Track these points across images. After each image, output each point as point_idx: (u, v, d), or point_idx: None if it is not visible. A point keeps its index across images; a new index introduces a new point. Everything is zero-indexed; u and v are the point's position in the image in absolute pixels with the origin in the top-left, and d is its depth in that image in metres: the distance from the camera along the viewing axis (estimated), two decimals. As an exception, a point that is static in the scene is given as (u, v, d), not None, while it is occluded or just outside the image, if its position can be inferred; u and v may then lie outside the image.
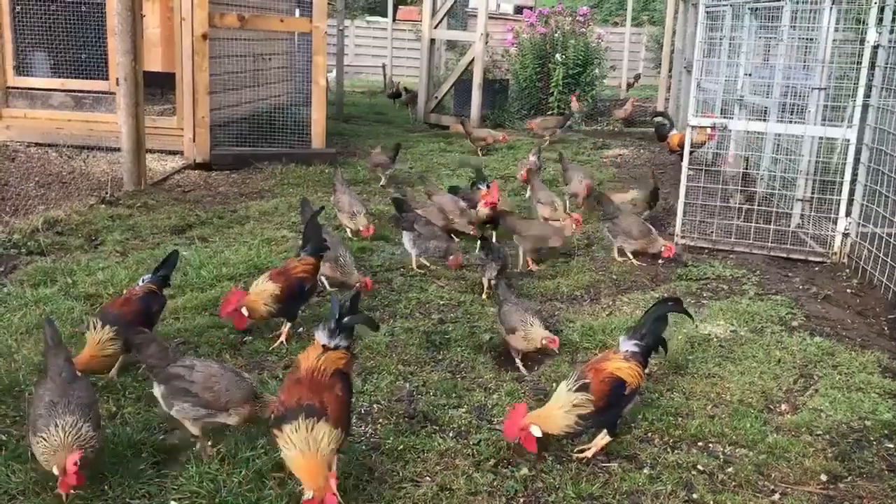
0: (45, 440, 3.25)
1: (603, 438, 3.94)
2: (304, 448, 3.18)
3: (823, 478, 3.80)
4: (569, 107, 15.55)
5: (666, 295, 6.02)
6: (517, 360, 4.91)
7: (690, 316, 4.62)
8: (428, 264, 6.57)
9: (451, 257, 6.45)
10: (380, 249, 7.03)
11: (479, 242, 6.50)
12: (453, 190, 7.80)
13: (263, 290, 4.88)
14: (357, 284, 5.65)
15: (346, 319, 3.58)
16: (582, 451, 3.94)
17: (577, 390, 3.82)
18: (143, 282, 4.71)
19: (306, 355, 3.53)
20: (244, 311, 4.79)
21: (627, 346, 4.07)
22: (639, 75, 24.96)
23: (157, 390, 3.79)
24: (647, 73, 27.04)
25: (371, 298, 5.80)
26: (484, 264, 5.99)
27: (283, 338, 4.99)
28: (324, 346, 3.53)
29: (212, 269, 6.12)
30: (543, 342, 4.79)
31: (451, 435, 4.03)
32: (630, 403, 4.03)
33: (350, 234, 7.32)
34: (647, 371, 4.18)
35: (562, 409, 3.80)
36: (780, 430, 4.21)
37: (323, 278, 5.92)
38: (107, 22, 9.68)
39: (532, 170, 8.59)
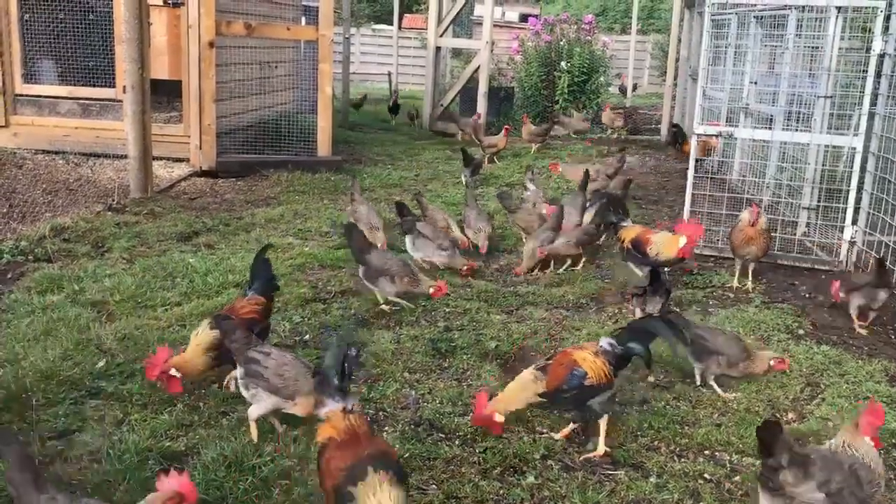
0: None
1: (599, 446, 4.02)
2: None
3: (831, 487, 3.78)
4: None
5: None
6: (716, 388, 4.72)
7: (682, 332, 4.42)
8: (427, 267, 6.59)
9: (464, 267, 6.51)
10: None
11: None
12: (613, 225, 6.62)
13: (201, 341, 4.26)
14: (430, 290, 5.65)
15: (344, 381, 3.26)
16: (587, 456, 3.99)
17: (537, 369, 4.06)
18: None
19: (328, 427, 3.17)
20: (174, 371, 4.15)
21: (603, 343, 4.16)
22: (635, 85, 25.01)
23: (238, 371, 3.99)
24: (653, 82, 27.10)
25: (377, 305, 5.81)
26: (644, 295, 5.51)
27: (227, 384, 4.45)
28: (343, 409, 3.20)
29: (218, 276, 6.13)
30: (771, 363, 4.61)
31: (457, 443, 4.03)
32: (597, 397, 4.02)
33: None
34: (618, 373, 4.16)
35: (521, 385, 4.04)
36: (787, 438, 4.19)
37: (393, 297, 5.75)
38: (114, 30, 9.71)
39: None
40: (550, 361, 4.10)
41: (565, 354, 4.12)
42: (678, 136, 12.91)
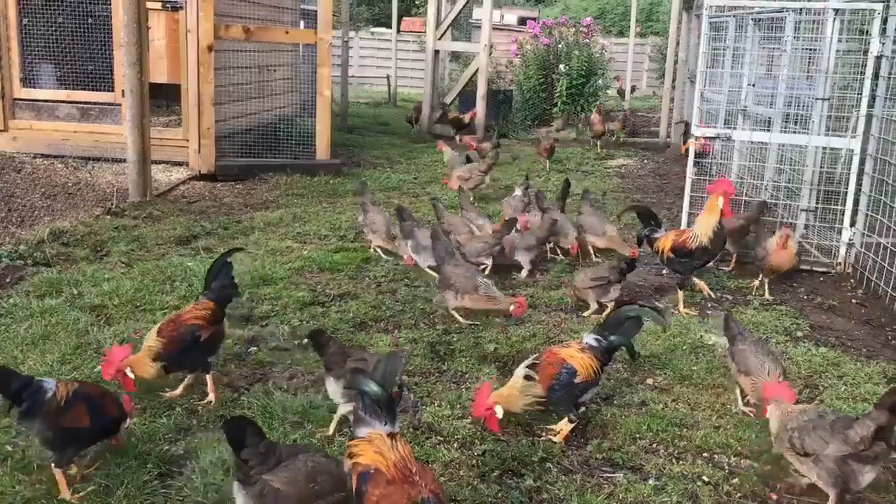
0: None
1: (567, 425, 4.13)
2: None
3: (829, 489, 3.79)
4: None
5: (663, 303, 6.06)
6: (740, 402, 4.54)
7: (661, 313, 4.51)
8: (435, 273, 6.57)
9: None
10: (384, 260, 7.04)
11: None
12: (642, 240, 6.42)
13: (148, 347, 4.22)
14: (511, 308, 5.48)
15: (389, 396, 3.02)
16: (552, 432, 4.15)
17: (527, 367, 4.09)
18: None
19: (373, 453, 2.89)
20: (129, 371, 4.11)
21: (588, 339, 4.21)
22: (634, 87, 25.01)
23: (333, 385, 4.00)
24: (651, 84, 27.15)
25: (375, 309, 5.81)
26: (605, 285, 5.80)
27: (211, 395, 4.37)
28: (390, 434, 2.97)
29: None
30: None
31: (455, 446, 4.03)
32: (586, 394, 4.16)
33: (381, 254, 7.16)
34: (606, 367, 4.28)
35: (518, 389, 4.05)
36: (786, 440, 4.19)
37: (456, 313, 5.66)
38: (113, 34, 9.73)
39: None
40: (539, 361, 4.13)
41: (552, 353, 4.17)
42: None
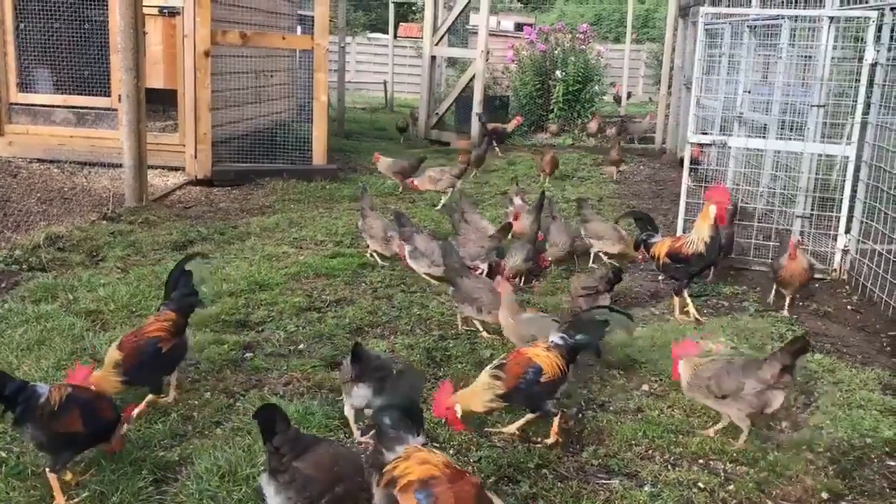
0: None
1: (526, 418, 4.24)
2: None
3: (825, 496, 3.79)
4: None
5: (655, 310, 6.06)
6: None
7: (629, 316, 4.48)
8: (432, 280, 6.57)
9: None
10: (380, 265, 7.05)
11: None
12: (639, 245, 6.44)
13: (109, 359, 4.14)
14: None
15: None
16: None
17: (494, 368, 4.11)
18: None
19: (420, 466, 2.96)
20: (93, 388, 3.92)
21: (554, 337, 4.24)
22: (630, 93, 25.07)
23: (364, 390, 4.01)
24: (647, 90, 27.22)
25: (372, 315, 5.80)
26: (594, 294, 5.74)
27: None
28: (424, 445, 3.13)
29: (212, 285, 6.12)
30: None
31: (451, 452, 4.02)
32: (556, 391, 4.16)
33: (378, 260, 7.15)
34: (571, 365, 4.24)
35: (481, 387, 4.08)
36: (781, 447, 4.20)
37: (477, 322, 5.60)
38: (109, 39, 9.74)
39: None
40: (506, 361, 4.14)
41: (519, 353, 4.19)
42: None
